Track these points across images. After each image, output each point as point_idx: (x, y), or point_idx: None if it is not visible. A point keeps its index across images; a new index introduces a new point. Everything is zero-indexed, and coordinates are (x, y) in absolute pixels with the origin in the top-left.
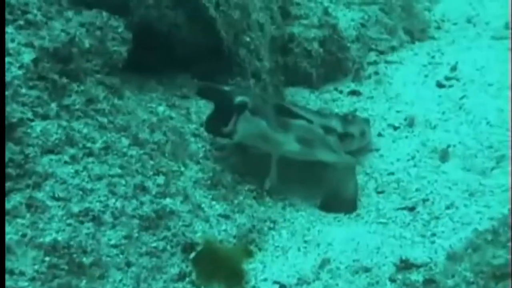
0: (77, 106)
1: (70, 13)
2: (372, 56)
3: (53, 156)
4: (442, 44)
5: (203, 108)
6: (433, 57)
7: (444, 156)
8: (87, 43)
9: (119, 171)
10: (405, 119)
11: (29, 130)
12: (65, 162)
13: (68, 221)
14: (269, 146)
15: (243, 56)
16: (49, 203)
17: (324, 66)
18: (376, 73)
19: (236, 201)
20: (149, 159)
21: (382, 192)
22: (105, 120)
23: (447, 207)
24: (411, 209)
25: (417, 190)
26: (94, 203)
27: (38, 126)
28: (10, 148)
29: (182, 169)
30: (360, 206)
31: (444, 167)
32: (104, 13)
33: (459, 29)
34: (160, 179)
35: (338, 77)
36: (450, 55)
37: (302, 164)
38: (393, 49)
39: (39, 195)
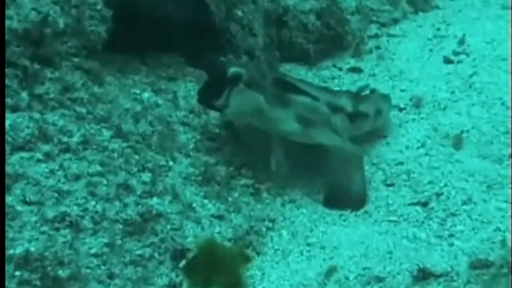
0: (51, 95)
1: None
2: (373, 29)
3: (24, 154)
4: (448, 14)
5: (192, 91)
6: (438, 29)
7: (457, 143)
8: (61, 23)
9: (100, 168)
10: (411, 99)
11: None
12: (38, 160)
13: (42, 229)
14: (265, 124)
15: (235, 32)
16: (19, 208)
17: (322, 40)
18: (378, 47)
19: (230, 199)
20: (133, 154)
21: (391, 185)
22: (83, 110)
23: (464, 203)
24: (424, 204)
25: (429, 182)
26: (72, 207)
27: (7, 119)
28: None
29: (170, 163)
30: (368, 201)
31: (458, 155)
32: None
33: None
34: (146, 176)
35: (337, 53)
36: (457, 27)
37: (304, 149)
38: (395, 21)
39: (9, 199)
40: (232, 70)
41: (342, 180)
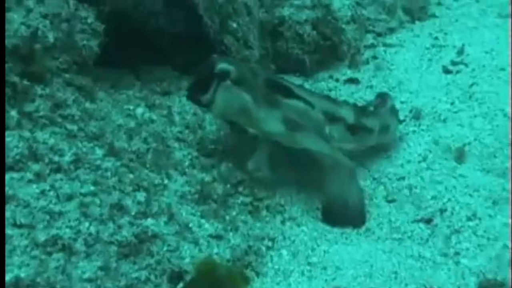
0: (41, 113)
1: (30, 2)
2: (369, 39)
3: (14, 174)
4: (445, 23)
5: (187, 106)
6: (436, 38)
7: (460, 156)
8: (51, 38)
9: (93, 188)
10: (411, 111)
11: None
12: (29, 181)
13: (33, 253)
14: (250, 123)
15: (230, 44)
16: (9, 231)
17: (318, 51)
18: (374, 57)
19: (228, 218)
20: (128, 172)
21: (393, 200)
22: (74, 127)
23: (469, 219)
24: (428, 221)
25: (432, 198)
26: (64, 229)
27: None
28: None
29: (166, 181)
30: (370, 218)
31: (461, 169)
32: (71, 1)
33: (461, 6)
34: (141, 196)
35: (333, 63)
36: (455, 36)
37: (294, 156)
38: (391, 30)
39: None
40: (220, 66)
41: (337, 193)
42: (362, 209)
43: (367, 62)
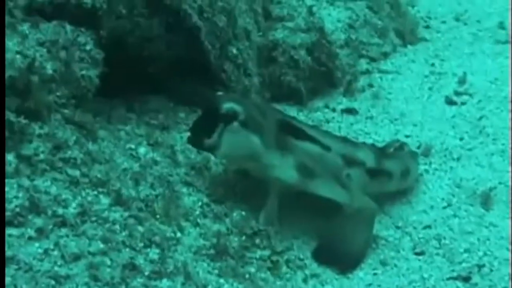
0: (41, 156)
1: (25, 27)
2: (363, 64)
3: (12, 231)
4: (439, 48)
5: None
6: (432, 64)
7: (486, 201)
8: (50, 69)
9: (102, 246)
10: (419, 147)
11: None
12: (30, 238)
13: None
14: (259, 170)
15: (230, 72)
16: None
17: (312, 78)
18: (371, 85)
19: (247, 275)
20: (137, 224)
21: (421, 253)
22: (77, 173)
23: None
24: (466, 279)
25: (466, 251)
26: None
27: None
28: None
29: (178, 235)
30: (399, 273)
31: (490, 216)
32: (68, 26)
33: (450, 29)
34: (154, 253)
35: (327, 91)
36: (452, 63)
37: (310, 201)
38: (385, 55)
39: None
40: (227, 106)
41: (340, 236)
42: (360, 260)
43: (363, 90)
